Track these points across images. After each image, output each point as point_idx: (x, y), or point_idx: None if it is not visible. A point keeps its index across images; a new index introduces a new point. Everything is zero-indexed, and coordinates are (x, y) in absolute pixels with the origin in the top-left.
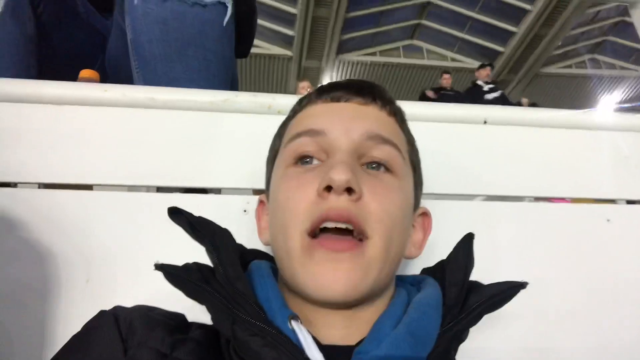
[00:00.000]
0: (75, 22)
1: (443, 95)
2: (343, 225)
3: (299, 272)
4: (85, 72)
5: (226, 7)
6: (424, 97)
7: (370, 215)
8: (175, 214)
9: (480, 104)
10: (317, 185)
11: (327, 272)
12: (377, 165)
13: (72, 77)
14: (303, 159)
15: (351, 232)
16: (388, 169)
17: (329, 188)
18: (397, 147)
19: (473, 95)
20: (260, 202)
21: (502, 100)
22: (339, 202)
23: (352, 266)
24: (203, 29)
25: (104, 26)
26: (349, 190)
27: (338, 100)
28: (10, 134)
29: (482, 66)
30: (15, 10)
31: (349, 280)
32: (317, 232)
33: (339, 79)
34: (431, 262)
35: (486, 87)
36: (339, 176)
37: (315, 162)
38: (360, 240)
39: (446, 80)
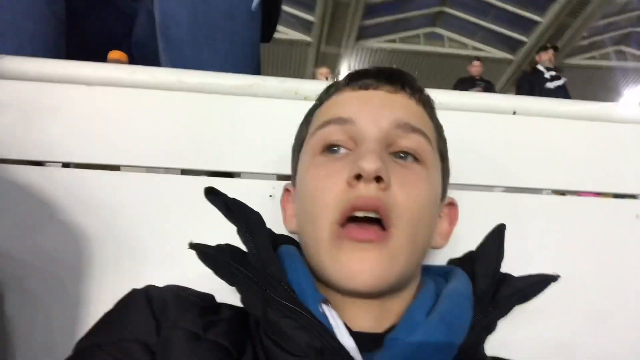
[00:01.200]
0: (104, 4)
1: (486, 89)
2: (372, 214)
3: (327, 263)
4: (114, 54)
5: None
6: (459, 86)
7: (397, 205)
8: (211, 194)
9: (539, 94)
10: (346, 174)
11: (354, 263)
12: (405, 154)
13: (99, 59)
14: (331, 148)
15: (379, 221)
16: (416, 159)
17: (358, 177)
18: (426, 136)
19: (531, 82)
20: (286, 190)
21: (564, 92)
22: (367, 191)
23: (378, 256)
24: (231, 12)
25: (131, 9)
26: (378, 179)
27: (367, 88)
28: (40, 112)
29: (543, 48)
30: None
31: (375, 270)
32: (345, 221)
33: (358, 66)
34: (453, 253)
35: (547, 74)
36: (369, 165)
37: (343, 150)
38: (385, 229)
39: (476, 68)
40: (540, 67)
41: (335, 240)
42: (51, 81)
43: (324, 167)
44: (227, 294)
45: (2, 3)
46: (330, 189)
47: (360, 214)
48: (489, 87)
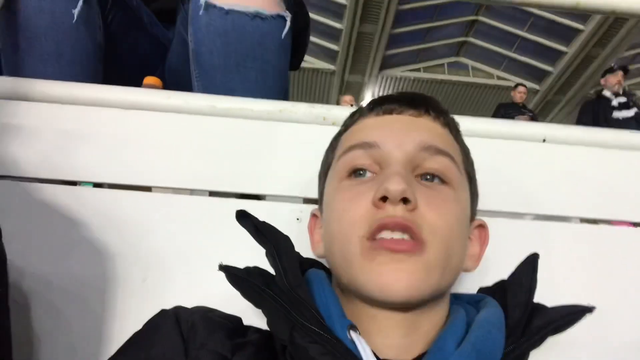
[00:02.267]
0: (140, 31)
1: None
2: (399, 236)
3: (359, 276)
4: (149, 79)
5: (285, 20)
6: (498, 116)
7: (427, 225)
8: (242, 217)
9: (605, 125)
10: (372, 196)
11: (389, 272)
12: (432, 177)
13: (134, 83)
14: (357, 172)
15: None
16: (443, 181)
17: (384, 199)
18: (452, 158)
19: (595, 111)
20: (313, 215)
21: (635, 125)
22: (395, 211)
23: (413, 267)
24: (262, 41)
25: (164, 36)
26: (405, 201)
27: (390, 112)
28: (78, 134)
29: (609, 71)
30: (87, 20)
31: (410, 280)
32: (374, 238)
33: (381, 94)
34: (482, 280)
35: (615, 101)
36: (394, 186)
37: (368, 174)
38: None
39: (520, 95)
40: (606, 93)
41: (368, 252)
42: (88, 105)
43: (349, 191)
44: (252, 316)
45: (45, 32)
46: (357, 210)
47: (388, 234)
48: (533, 119)
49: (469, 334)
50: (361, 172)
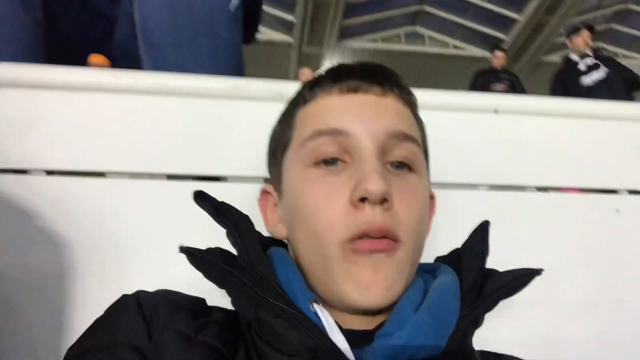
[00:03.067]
0: (83, 6)
1: (511, 85)
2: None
3: (339, 279)
4: (94, 57)
5: None
6: (477, 85)
7: (401, 223)
8: (200, 198)
9: (576, 95)
10: (348, 193)
11: (369, 273)
12: (400, 164)
13: (79, 62)
14: (325, 160)
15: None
16: (410, 168)
17: (363, 199)
18: (418, 142)
19: (564, 81)
20: (264, 192)
21: (608, 88)
22: (375, 216)
23: (388, 269)
24: (212, 14)
25: (110, 11)
26: (382, 200)
27: (355, 90)
28: (22, 120)
29: (575, 30)
30: None
31: (386, 281)
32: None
33: None
34: (441, 251)
35: (582, 64)
36: (376, 188)
37: (339, 164)
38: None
39: (498, 60)
40: (573, 57)
41: (350, 255)
42: (32, 87)
43: (321, 184)
44: (216, 298)
45: None
46: (332, 209)
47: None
48: (514, 83)
49: (425, 300)
50: (331, 160)
